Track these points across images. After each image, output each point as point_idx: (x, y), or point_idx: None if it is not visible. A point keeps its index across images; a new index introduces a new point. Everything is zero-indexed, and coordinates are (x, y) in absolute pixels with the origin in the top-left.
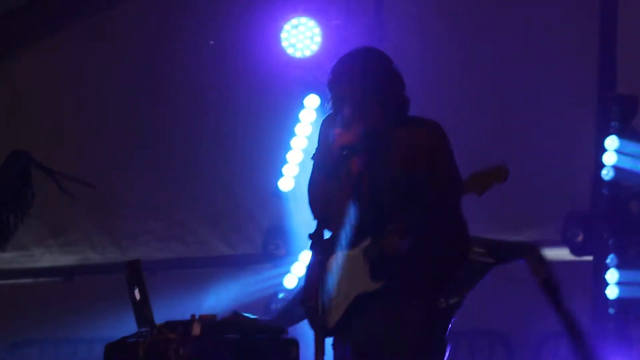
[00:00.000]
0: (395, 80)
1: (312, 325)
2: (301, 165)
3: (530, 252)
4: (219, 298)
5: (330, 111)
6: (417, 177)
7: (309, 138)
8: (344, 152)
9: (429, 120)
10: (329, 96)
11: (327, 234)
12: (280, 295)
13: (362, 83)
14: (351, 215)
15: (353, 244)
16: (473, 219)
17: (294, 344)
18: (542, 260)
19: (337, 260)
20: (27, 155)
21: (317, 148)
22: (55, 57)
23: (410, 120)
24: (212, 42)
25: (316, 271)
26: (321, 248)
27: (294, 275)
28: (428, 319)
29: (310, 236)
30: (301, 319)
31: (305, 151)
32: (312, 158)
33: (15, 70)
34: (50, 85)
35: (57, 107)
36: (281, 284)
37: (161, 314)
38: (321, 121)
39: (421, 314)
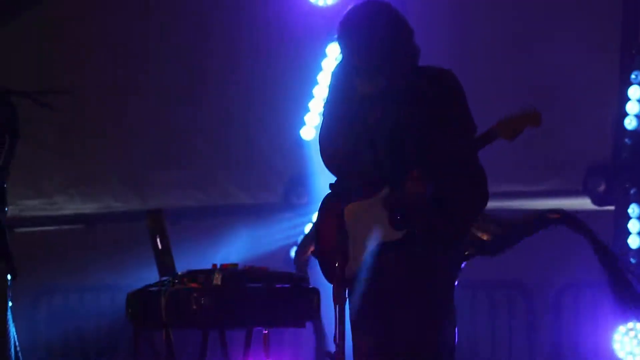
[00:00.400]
0: (404, 30)
1: (328, 275)
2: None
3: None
4: (240, 247)
5: (342, 61)
6: (434, 124)
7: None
8: (361, 102)
9: (442, 68)
10: (340, 48)
11: (344, 183)
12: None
13: (372, 33)
14: (369, 164)
15: (371, 192)
16: (495, 168)
17: (316, 292)
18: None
19: (355, 209)
20: None
21: (328, 97)
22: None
23: (424, 69)
24: None
25: (332, 221)
26: (338, 197)
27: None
28: (451, 266)
29: (331, 185)
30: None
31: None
32: (324, 107)
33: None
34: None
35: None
36: (302, 232)
37: (182, 263)
38: (332, 71)
39: (445, 261)
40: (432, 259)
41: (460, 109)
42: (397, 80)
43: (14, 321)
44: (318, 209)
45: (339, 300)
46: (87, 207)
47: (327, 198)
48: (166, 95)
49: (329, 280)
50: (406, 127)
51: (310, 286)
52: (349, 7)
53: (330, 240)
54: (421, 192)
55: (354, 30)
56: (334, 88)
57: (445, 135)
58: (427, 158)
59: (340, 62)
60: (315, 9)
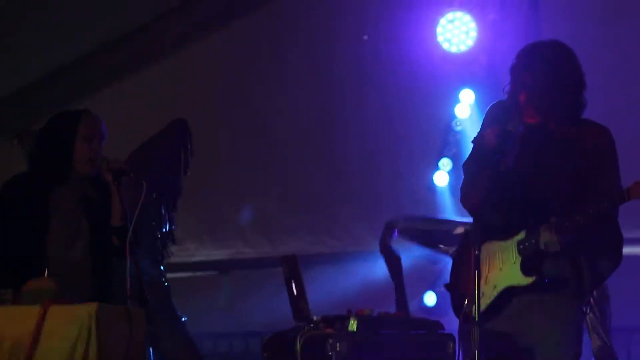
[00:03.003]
0: (577, 80)
1: (456, 311)
2: (455, 159)
3: None
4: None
5: (505, 96)
6: (580, 178)
7: (463, 132)
8: (504, 143)
9: (599, 124)
10: (508, 80)
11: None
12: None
13: (545, 75)
14: (507, 206)
15: (507, 235)
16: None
17: (451, 339)
18: None
19: (488, 250)
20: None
21: (479, 132)
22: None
23: (582, 122)
24: (365, 37)
25: (466, 260)
26: (474, 237)
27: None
28: (578, 317)
29: (467, 231)
30: None
31: (459, 145)
32: (473, 142)
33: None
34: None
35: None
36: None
37: (317, 309)
38: (490, 106)
39: (572, 312)
40: (559, 308)
41: (609, 167)
42: (548, 126)
43: None
44: (458, 245)
45: (463, 336)
46: (218, 254)
47: (466, 237)
48: (295, 139)
49: (457, 315)
50: (547, 175)
51: (446, 332)
52: (533, 42)
53: (464, 279)
54: (555, 242)
55: (524, 66)
56: (487, 122)
57: (591, 191)
58: (568, 209)
59: (504, 94)
60: (449, 56)
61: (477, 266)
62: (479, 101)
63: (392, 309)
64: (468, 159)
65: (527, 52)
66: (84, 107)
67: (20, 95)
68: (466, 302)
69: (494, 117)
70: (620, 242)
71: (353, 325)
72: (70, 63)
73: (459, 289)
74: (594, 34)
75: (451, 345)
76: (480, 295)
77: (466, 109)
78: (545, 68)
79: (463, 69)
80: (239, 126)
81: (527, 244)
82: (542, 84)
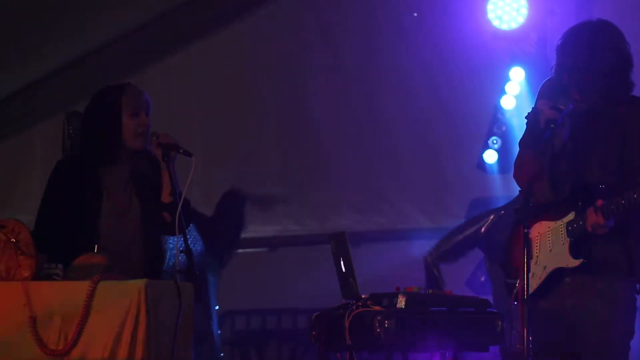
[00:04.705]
0: (623, 61)
1: (508, 291)
2: (505, 137)
3: None
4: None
5: (553, 75)
6: (628, 158)
7: (513, 111)
8: (552, 125)
9: None
10: (555, 61)
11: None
12: None
13: (589, 56)
14: (556, 187)
15: (557, 216)
16: None
17: (500, 317)
18: None
19: (538, 231)
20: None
21: (532, 109)
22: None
23: (630, 101)
24: (415, 15)
25: (517, 242)
26: (524, 216)
27: None
28: (629, 297)
29: (516, 209)
30: None
31: (509, 123)
32: (526, 117)
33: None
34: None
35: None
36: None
37: (365, 286)
38: (542, 83)
39: (622, 292)
40: (607, 289)
41: None
42: (595, 107)
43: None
44: (511, 227)
45: (515, 315)
46: (268, 230)
47: (517, 221)
48: (338, 118)
49: (509, 294)
50: (596, 155)
51: (494, 310)
52: (581, 22)
53: (516, 258)
54: (601, 224)
55: (569, 47)
56: (539, 99)
57: (638, 169)
58: (616, 191)
59: (550, 79)
60: (499, 33)
61: (527, 244)
62: (529, 79)
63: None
64: (523, 135)
65: (570, 33)
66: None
67: (65, 73)
68: (518, 282)
69: (547, 94)
70: None
71: (401, 302)
72: (117, 37)
73: (513, 271)
74: None
75: (500, 323)
76: (531, 275)
77: (516, 87)
78: (585, 50)
79: (514, 47)
80: (283, 107)
81: (575, 225)
82: (581, 66)
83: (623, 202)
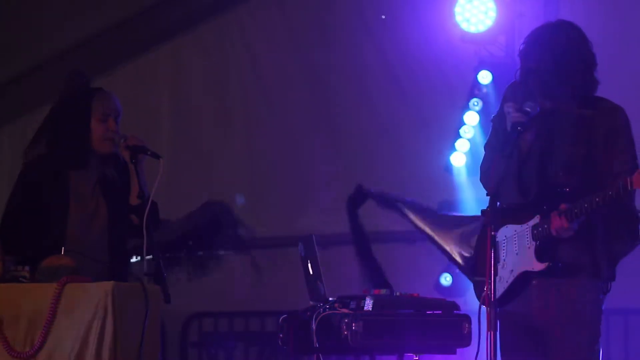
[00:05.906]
0: (586, 60)
1: (478, 295)
2: (473, 140)
3: None
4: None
5: (518, 79)
6: (594, 159)
7: (481, 113)
8: (519, 128)
9: (613, 104)
10: (519, 65)
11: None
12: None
13: (551, 58)
14: (522, 190)
15: (522, 220)
16: None
17: (467, 319)
18: None
19: (505, 234)
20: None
21: (498, 112)
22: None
23: (595, 101)
24: (383, 17)
25: (484, 244)
26: (491, 221)
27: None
28: (595, 299)
29: (483, 212)
30: None
31: (476, 127)
32: (492, 121)
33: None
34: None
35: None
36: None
37: (332, 289)
38: (507, 86)
39: (589, 294)
40: (575, 291)
41: (624, 147)
42: (561, 108)
43: (164, 345)
44: (477, 235)
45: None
46: (236, 232)
47: (484, 223)
48: (305, 123)
49: (481, 302)
50: (560, 156)
51: (461, 312)
52: (540, 25)
53: (484, 264)
54: (565, 228)
55: (532, 50)
56: (504, 103)
57: (605, 174)
58: (581, 194)
59: (514, 83)
60: (467, 35)
61: (494, 246)
62: (496, 82)
63: (409, 289)
64: (488, 138)
65: (531, 36)
66: (98, 85)
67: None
68: (486, 289)
69: (512, 98)
70: (635, 222)
71: (369, 304)
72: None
73: (478, 267)
74: (613, 11)
75: (467, 326)
76: (498, 279)
77: (484, 90)
78: (546, 52)
79: (481, 50)
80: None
81: (540, 229)
82: (544, 68)
83: (586, 205)
